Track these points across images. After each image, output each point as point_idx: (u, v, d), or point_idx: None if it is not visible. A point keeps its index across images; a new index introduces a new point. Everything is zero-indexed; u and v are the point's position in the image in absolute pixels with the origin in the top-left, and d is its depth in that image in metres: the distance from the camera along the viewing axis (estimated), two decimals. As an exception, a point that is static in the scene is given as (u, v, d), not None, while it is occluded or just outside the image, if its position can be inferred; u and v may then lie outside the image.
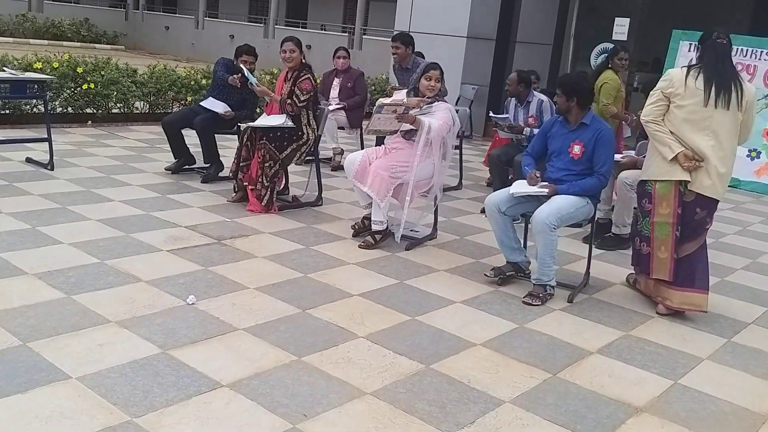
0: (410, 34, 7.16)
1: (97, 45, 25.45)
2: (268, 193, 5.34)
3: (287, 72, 5.65)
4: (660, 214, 3.97)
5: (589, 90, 4.23)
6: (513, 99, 6.21)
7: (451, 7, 10.82)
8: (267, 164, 5.32)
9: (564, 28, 10.76)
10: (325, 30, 25.04)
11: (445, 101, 4.98)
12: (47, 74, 7.71)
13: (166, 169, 6.31)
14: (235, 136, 6.30)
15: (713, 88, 3.81)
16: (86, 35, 25.74)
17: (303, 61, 5.59)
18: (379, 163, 4.76)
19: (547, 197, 4.10)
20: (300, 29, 24.71)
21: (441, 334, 3.52)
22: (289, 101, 5.49)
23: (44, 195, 5.19)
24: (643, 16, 10.28)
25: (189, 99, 8.92)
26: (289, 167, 5.71)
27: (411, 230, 5.08)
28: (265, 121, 5.53)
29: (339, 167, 6.89)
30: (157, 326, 3.26)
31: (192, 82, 9.11)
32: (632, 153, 5.49)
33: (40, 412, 2.50)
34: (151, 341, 3.10)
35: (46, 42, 23.53)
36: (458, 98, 10.49)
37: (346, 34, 22.91)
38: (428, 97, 4.76)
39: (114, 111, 8.64)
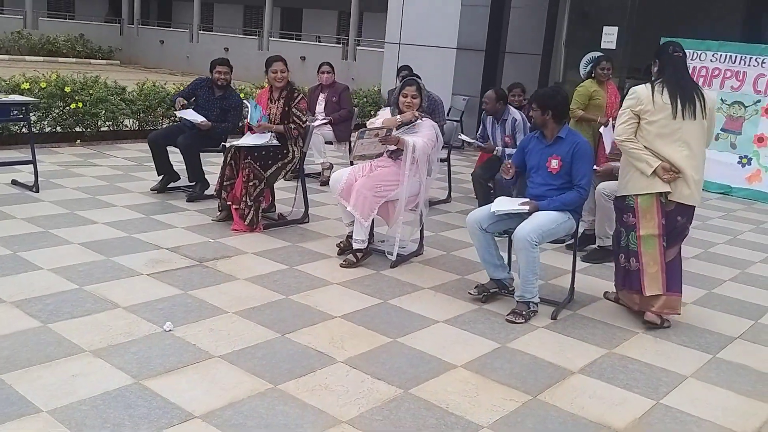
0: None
1: (92, 60, 25.57)
2: (252, 212, 5.30)
3: (273, 91, 5.63)
4: (645, 227, 4.01)
5: (564, 103, 4.21)
6: (490, 117, 6.21)
7: (441, 18, 10.82)
8: (252, 183, 5.29)
9: (553, 38, 10.76)
10: (319, 41, 25.11)
11: (430, 118, 4.97)
12: (35, 94, 7.73)
13: (151, 189, 6.27)
14: (221, 154, 6.28)
15: (678, 101, 3.92)
16: (81, 51, 25.87)
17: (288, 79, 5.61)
18: (364, 182, 4.73)
19: (529, 214, 4.07)
20: (294, 41, 24.81)
21: (422, 356, 3.48)
22: (292, 126, 5.49)
23: (28, 218, 5.16)
24: (633, 25, 10.28)
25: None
26: (275, 184, 5.69)
27: (399, 247, 5.05)
28: (249, 140, 5.48)
29: (328, 182, 6.85)
30: (132, 355, 3.22)
31: (181, 98, 9.08)
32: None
33: (6, 449, 2.47)
34: (125, 371, 3.07)
35: (41, 58, 23.62)
36: (449, 109, 10.48)
37: (341, 46, 22.98)
38: (414, 115, 4.76)
39: (103, 129, 8.62)
